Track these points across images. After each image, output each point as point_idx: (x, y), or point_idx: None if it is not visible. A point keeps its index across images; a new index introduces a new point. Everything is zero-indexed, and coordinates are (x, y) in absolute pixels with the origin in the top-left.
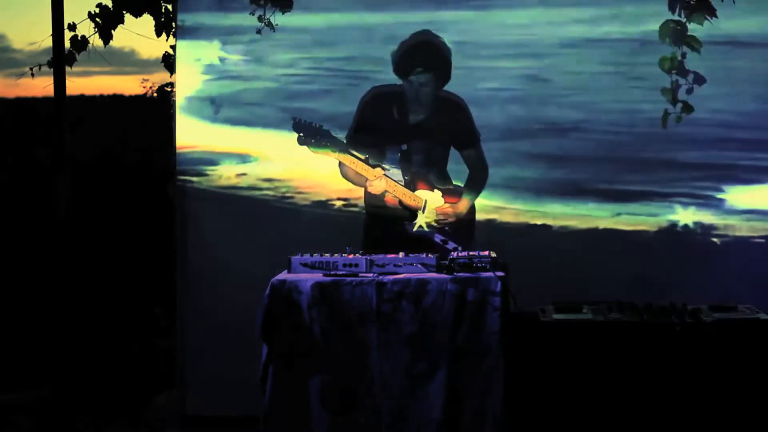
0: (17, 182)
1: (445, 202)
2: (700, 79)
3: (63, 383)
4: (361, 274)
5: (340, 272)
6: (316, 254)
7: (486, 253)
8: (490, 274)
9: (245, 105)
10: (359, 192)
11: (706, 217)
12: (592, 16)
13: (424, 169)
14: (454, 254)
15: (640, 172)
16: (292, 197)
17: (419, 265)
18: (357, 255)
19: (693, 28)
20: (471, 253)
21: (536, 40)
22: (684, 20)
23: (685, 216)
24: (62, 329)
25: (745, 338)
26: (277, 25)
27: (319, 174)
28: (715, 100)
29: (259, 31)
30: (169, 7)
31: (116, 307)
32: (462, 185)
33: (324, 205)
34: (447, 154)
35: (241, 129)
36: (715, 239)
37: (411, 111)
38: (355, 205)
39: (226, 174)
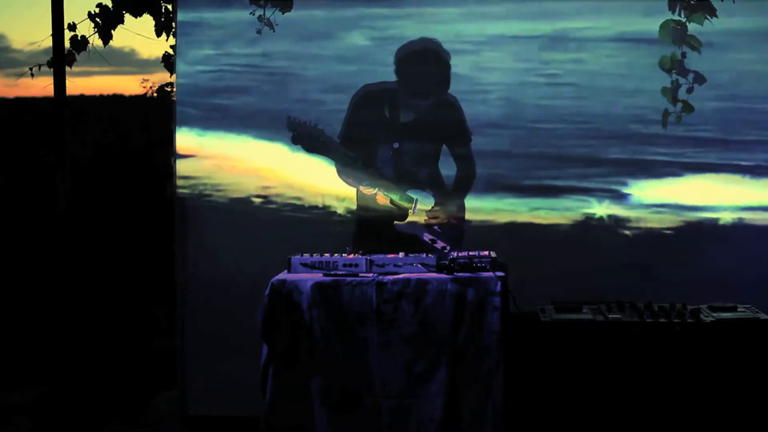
0: (17, 182)
1: (436, 202)
2: (700, 79)
3: (63, 383)
4: (361, 274)
5: (340, 272)
6: (316, 254)
7: (486, 253)
8: (490, 274)
9: None
10: (278, 189)
11: (619, 210)
12: (510, 11)
13: (416, 168)
14: (454, 254)
15: (556, 168)
16: (210, 195)
17: (419, 265)
18: (357, 255)
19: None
20: (471, 253)
21: (456, 36)
22: (684, 20)
23: (600, 209)
24: (62, 329)
25: (745, 338)
26: (278, 23)
27: (236, 171)
28: (634, 95)
29: (259, 31)
30: (169, 7)
31: (116, 307)
32: (451, 184)
33: (243, 202)
34: (438, 152)
35: None
36: (626, 231)
37: (402, 110)
38: (274, 202)
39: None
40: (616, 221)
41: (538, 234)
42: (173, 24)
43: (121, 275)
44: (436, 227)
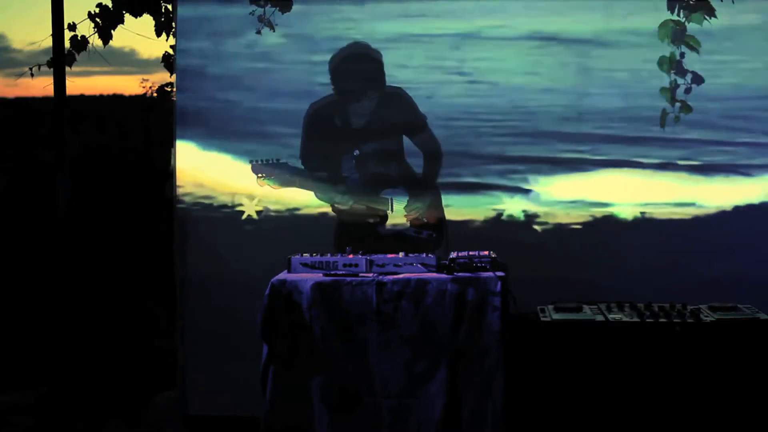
0: (17, 182)
1: (410, 195)
2: (698, 79)
3: (63, 383)
4: (361, 274)
5: (340, 272)
6: (316, 254)
7: (486, 253)
8: (490, 273)
9: None
10: (187, 189)
11: (530, 206)
12: (421, 10)
13: (382, 168)
14: (454, 254)
15: (468, 165)
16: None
17: (419, 265)
18: (357, 255)
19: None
20: (471, 253)
21: (369, 35)
22: (684, 20)
23: (511, 205)
24: (62, 329)
25: (745, 338)
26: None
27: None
28: (549, 94)
29: (259, 32)
30: (169, 6)
31: (116, 307)
32: (420, 171)
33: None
34: (401, 144)
35: None
36: (536, 227)
37: (353, 116)
38: (183, 202)
39: None
40: (527, 216)
41: (451, 230)
42: (173, 24)
43: (121, 275)
44: (417, 218)
